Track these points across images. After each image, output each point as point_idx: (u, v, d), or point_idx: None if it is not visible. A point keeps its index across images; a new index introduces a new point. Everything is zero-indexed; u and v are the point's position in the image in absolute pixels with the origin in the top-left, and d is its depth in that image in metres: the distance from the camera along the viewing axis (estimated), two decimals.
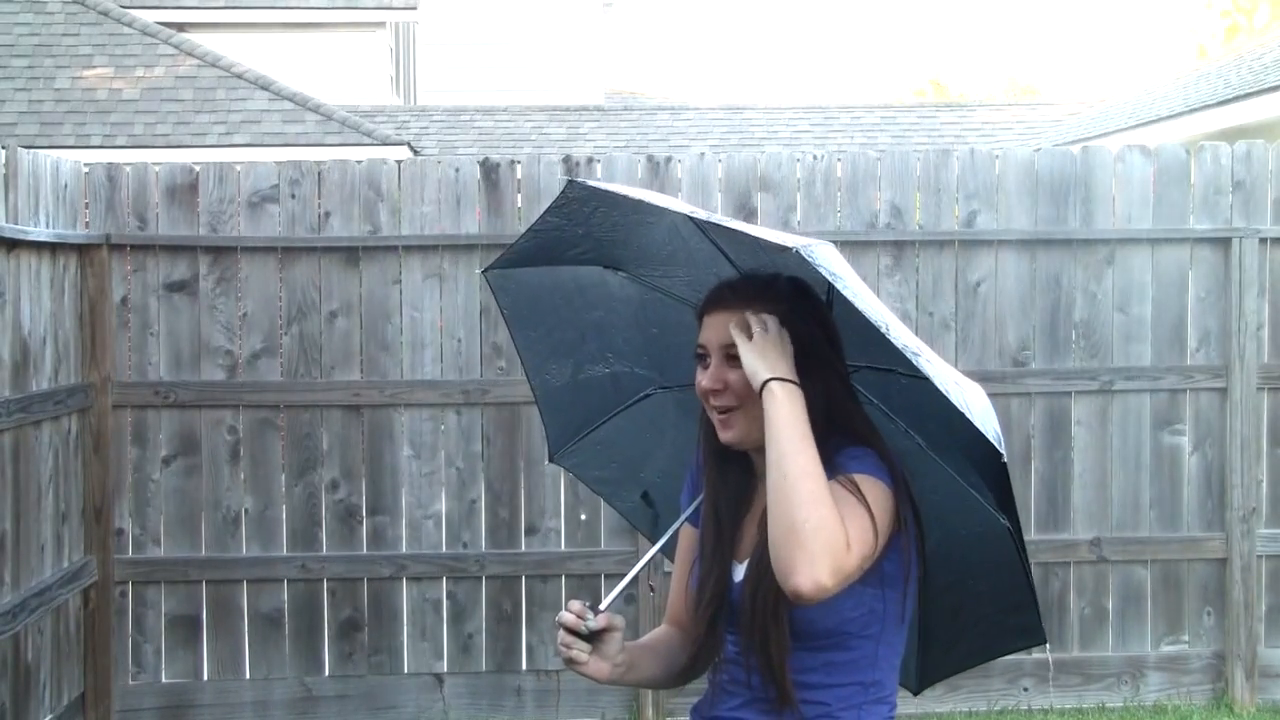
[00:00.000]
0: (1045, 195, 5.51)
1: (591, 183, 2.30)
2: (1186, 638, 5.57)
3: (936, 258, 5.50)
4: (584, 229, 2.38)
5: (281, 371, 5.40)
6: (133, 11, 13.86)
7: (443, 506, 5.44)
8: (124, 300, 5.34)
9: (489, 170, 5.47)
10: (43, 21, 13.24)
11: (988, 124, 16.31)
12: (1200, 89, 12.14)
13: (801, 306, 2.21)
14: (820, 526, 1.99)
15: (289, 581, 5.41)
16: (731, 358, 2.20)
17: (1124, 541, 5.51)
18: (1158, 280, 5.54)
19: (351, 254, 5.43)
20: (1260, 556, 5.52)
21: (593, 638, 2.21)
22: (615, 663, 2.25)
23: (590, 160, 5.61)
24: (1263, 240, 5.50)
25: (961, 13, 62.25)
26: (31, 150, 4.85)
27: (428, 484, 5.44)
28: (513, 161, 5.52)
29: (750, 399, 2.15)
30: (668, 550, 2.53)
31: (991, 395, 2.21)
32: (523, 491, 5.45)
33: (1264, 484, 5.56)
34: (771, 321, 2.15)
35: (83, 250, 5.18)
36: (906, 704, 2.49)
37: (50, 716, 4.84)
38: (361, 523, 5.43)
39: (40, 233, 4.74)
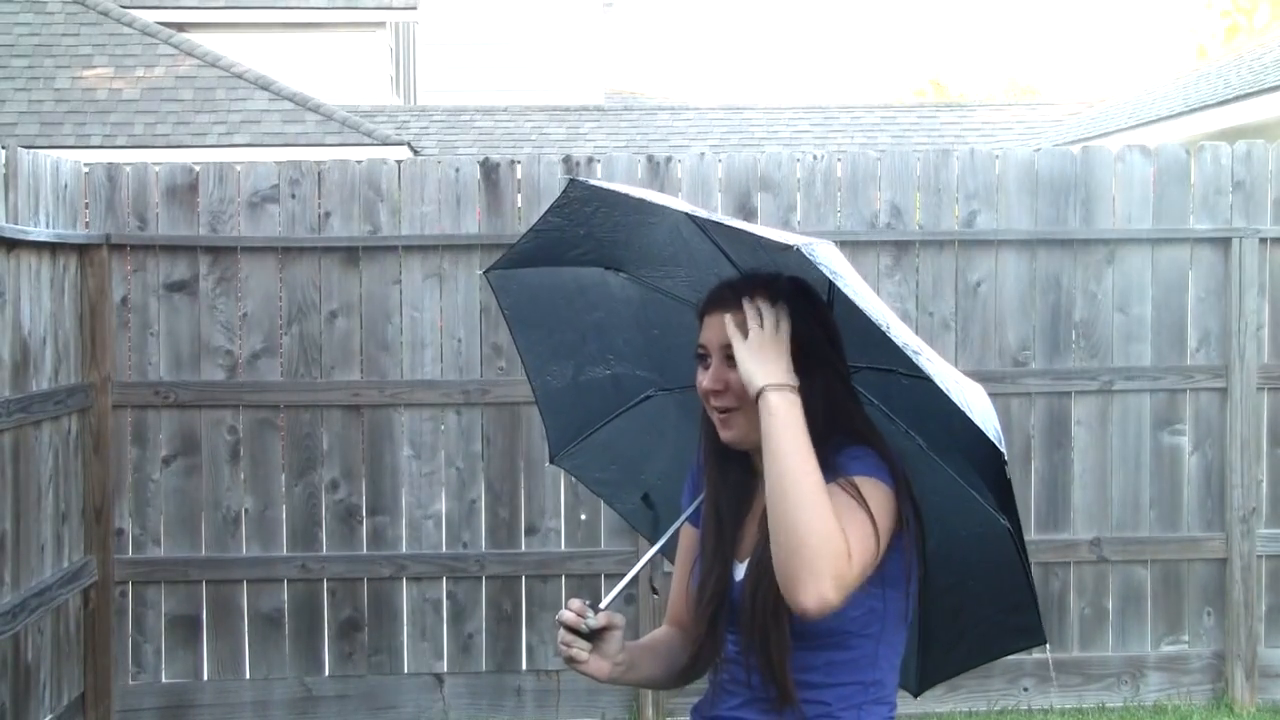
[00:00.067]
0: (1045, 195, 5.51)
1: (593, 182, 2.30)
2: (1186, 638, 5.57)
3: (936, 258, 5.50)
4: (585, 229, 2.38)
5: (281, 371, 5.40)
6: (133, 11, 13.86)
7: (443, 506, 5.44)
8: (124, 300, 5.34)
9: (489, 170, 5.47)
10: (43, 21, 13.24)
11: (988, 124, 16.31)
12: (1200, 89, 12.14)
13: (802, 306, 2.21)
14: (822, 542, 1.99)
15: (289, 581, 5.41)
16: (732, 357, 2.19)
17: (1124, 541, 5.52)
18: (1158, 280, 5.54)
19: (351, 254, 5.43)
20: (1260, 556, 5.52)
21: (593, 636, 2.21)
22: (615, 661, 2.25)
23: (590, 160, 5.61)
24: (1263, 240, 5.50)
25: (961, 13, 62.27)
26: (31, 150, 4.85)
27: (428, 484, 5.44)
28: (513, 161, 5.52)
29: (751, 399, 2.15)
30: (668, 550, 2.52)
31: (991, 395, 2.21)
32: (523, 491, 5.45)
33: (1264, 484, 5.56)
34: (767, 310, 2.14)
35: (83, 250, 5.18)
36: (906, 704, 2.49)
37: (50, 716, 4.84)
38: (361, 523, 5.43)
39: (40, 233, 4.74)
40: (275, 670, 5.41)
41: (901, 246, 5.49)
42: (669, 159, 5.55)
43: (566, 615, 2.20)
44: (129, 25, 13.34)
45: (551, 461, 2.81)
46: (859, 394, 2.30)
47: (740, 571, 2.25)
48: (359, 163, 5.53)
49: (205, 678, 5.40)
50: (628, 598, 5.23)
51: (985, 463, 2.13)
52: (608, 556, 5.40)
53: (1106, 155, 5.56)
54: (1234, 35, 26.05)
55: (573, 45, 18.75)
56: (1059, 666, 5.51)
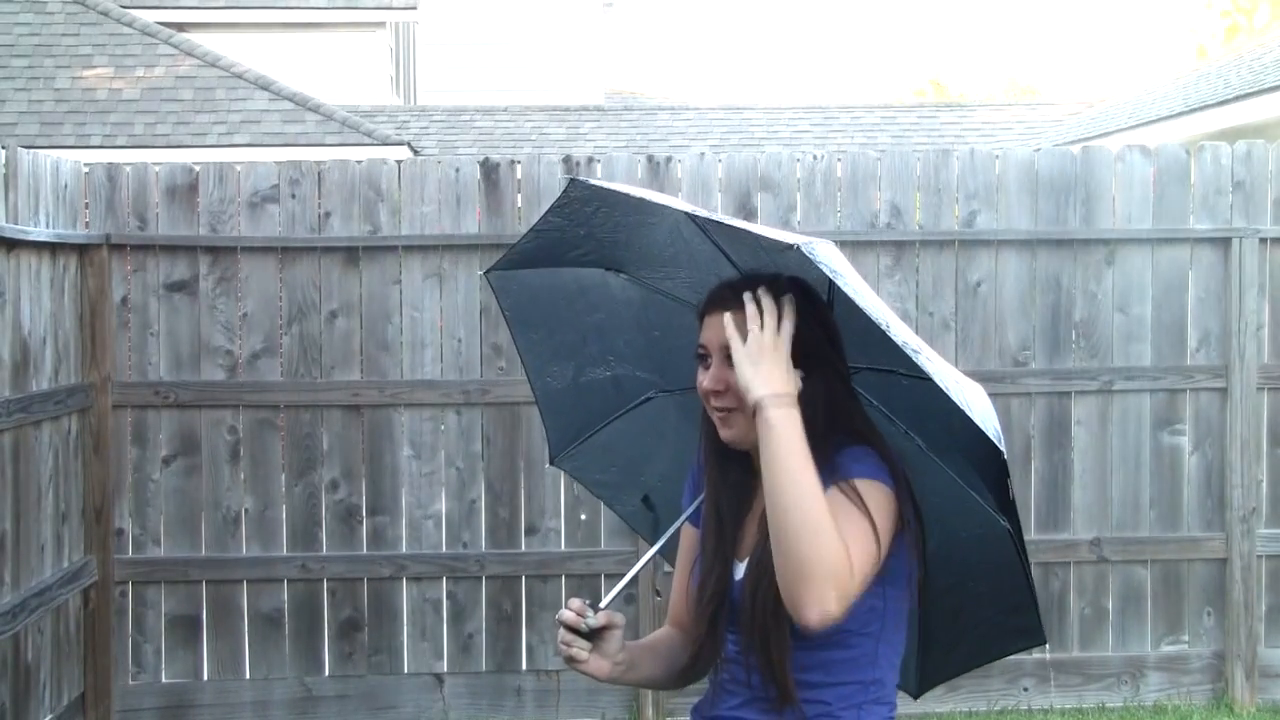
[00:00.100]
0: (1045, 195, 5.51)
1: (593, 182, 2.30)
2: (1186, 638, 5.57)
3: (936, 258, 5.50)
4: (586, 229, 2.38)
5: (281, 371, 5.40)
6: (133, 11, 13.86)
7: (443, 506, 5.44)
8: (124, 300, 5.34)
9: (489, 170, 5.47)
10: (43, 21, 13.24)
11: (988, 124, 16.31)
12: (1200, 89, 12.14)
13: (802, 306, 2.20)
14: (824, 559, 1.98)
15: (289, 581, 5.41)
16: (726, 356, 2.19)
17: (1124, 541, 5.52)
18: (1158, 280, 5.54)
19: (351, 254, 5.43)
20: (1260, 556, 5.52)
21: (593, 636, 2.21)
22: (615, 661, 2.25)
23: (590, 160, 5.61)
24: (1263, 240, 5.50)
25: (961, 13, 62.27)
26: (31, 150, 4.85)
27: (428, 484, 5.44)
28: (513, 161, 5.52)
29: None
30: (668, 551, 2.52)
31: (991, 395, 2.21)
32: (523, 491, 5.45)
33: (1264, 484, 5.56)
34: (769, 306, 2.13)
35: (83, 250, 5.18)
36: (906, 704, 2.48)
37: (50, 716, 4.84)
38: (361, 523, 5.43)
39: (40, 233, 4.74)
40: (275, 670, 5.41)
41: (901, 246, 5.49)
42: (669, 159, 5.55)
43: (566, 615, 2.20)
44: (129, 25, 13.34)
45: (552, 463, 2.80)
46: (860, 395, 2.30)
47: (740, 571, 2.25)
48: (359, 163, 5.53)
49: (205, 678, 5.40)
50: (628, 597, 5.24)
51: (985, 462, 2.13)
52: (608, 556, 5.40)
53: (1106, 155, 5.56)
54: (1234, 35, 26.06)
55: (573, 45, 18.75)
56: (1059, 666, 5.51)
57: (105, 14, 13.40)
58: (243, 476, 5.39)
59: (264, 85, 12.76)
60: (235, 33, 15.25)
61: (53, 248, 4.89)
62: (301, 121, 12.41)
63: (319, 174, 5.44)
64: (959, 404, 1.98)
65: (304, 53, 15.29)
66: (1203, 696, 5.52)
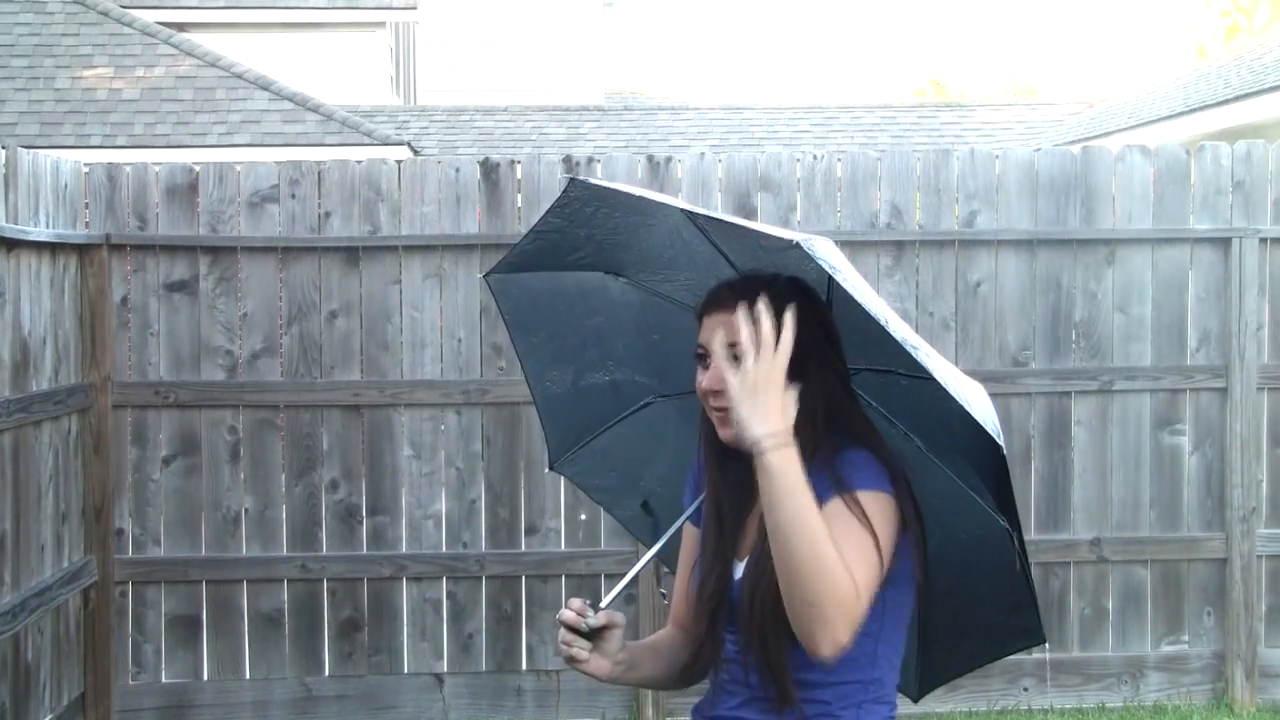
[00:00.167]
0: (1045, 195, 5.51)
1: (593, 181, 2.30)
2: (1186, 638, 5.57)
3: (936, 258, 5.50)
4: (585, 231, 2.37)
5: (281, 371, 5.40)
6: (133, 11, 13.86)
7: (443, 506, 5.45)
8: (124, 300, 5.34)
9: (489, 170, 5.47)
10: (43, 21, 13.24)
11: (988, 124, 16.31)
12: (1200, 89, 12.15)
13: (802, 306, 2.20)
14: (832, 593, 1.98)
15: (289, 581, 5.41)
16: (732, 356, 2.18)
17: (1124, 541, 5.52)
18: (1158, 280, 5.54)
19: (351, 254, 5.43)
20: (1260, 556, 5.52)
21: (593, 635, 2.20)
22: (616, 660, 2.24)
23: (590, 160, 5.62)
24: (1263, 240, 5.51)
25: (961, 13, 62.27)
26: (31, 150, 4.85)
27: (428, 484, 5.44)
28: (513, 161, 5.52)
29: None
30: (668, 552, 2.52)
31: (991, 395, 2.21)
32: (523, 491, 5.45)
33: (1264, 484, 5.56)
34: (768, 321, 2.08)
35: (83, 250, 5.18)
36: (906, 703, 2.48)
37: (50, 716, 4.84)
38: (361, 523, 5.43)
39: (40, 233, 4.74)
40: (275, 670, 5.41)
41: (901, 246, 5.49)
42: (669, 159, 5.55)
43: (566, 614, 2.19)
44: (129, 25, 13.34)
45: (551, 468, 2.79)
46: (859, 397, 2.29)
47: (739, 570, 2.25)
48: (359, 163, 5.53)
49: (205, 678, 5.40)
50: (628, 597, 5.23)
51: (985, 461, 2.12)
52: (608, 556, 5.40)
53: (1107, 155, 5.56)
54: (1234, 35, 26.06)
55: (573, 45, 18.75)
56: (1059, 666, 5.51)
57: (105, 14, 13.40)
58: (243, 476, 5.39)
59: (264, 85, 12.76)
60: (235, 33, 15.25)
61: (53, 248, 4.89)
62: (301, 121, 12.41)
63: (319, 174, 5.44)
64: (958, 399, 1.98)
65: (304, 53, 15.29)
66: (1203, 696, 5.52)
